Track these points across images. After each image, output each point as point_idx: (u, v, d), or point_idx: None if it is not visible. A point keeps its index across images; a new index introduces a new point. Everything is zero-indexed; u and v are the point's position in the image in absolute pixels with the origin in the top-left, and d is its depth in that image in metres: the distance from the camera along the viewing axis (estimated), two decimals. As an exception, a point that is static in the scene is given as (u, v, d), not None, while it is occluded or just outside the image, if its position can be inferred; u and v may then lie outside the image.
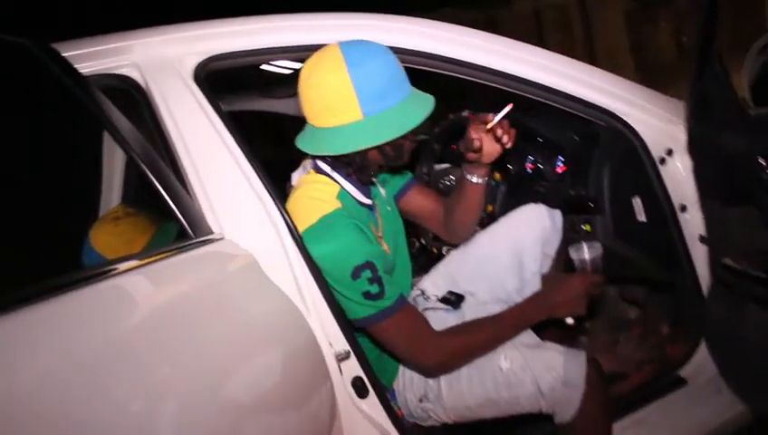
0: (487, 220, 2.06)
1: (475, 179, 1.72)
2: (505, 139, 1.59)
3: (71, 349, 0.88)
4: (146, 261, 1.18)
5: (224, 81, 1.79)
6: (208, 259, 1.29)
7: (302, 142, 1.52)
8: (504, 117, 1.58)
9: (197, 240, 1.27)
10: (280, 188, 1.63)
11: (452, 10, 8.93)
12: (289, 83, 2.67)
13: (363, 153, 1.51)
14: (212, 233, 1.35)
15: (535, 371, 1.56)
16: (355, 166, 1.55)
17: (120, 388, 0.91)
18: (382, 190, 1.80)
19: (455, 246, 1.97)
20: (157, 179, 1.25)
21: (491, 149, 1.63)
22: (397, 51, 1.58)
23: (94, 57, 1.51)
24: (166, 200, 1.25)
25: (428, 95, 1.53)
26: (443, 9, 8.74)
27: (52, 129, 1.26)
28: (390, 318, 1.49)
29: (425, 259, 2.29)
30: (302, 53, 1.67)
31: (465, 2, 9.32)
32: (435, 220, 1.91)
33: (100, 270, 1.09)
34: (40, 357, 0.83)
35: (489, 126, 1.58)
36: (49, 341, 0.86)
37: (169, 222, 1.31)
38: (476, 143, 1.60)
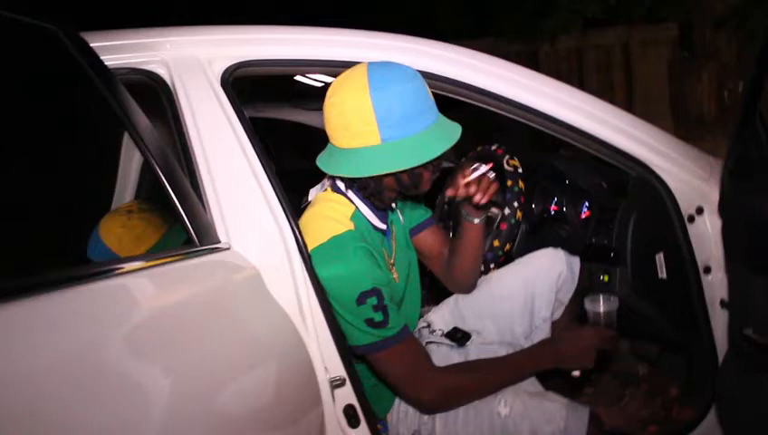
0: (504, 259, 2.00)
1: (471, 219, 1.69)
2: (477, 197, 1.55)
3: (57, 345, 0.84)
4: (150, 263, 1.16)
5: (257, 86, 1.77)
6: (212, 268, 1.26)
7: (321, 160, 1.50)
8: (484, 173, 1.55)
9: (203, 248, 1.24)
10: (296, 201, 1.60)
11: (495, 41, 8.92)
12: (320, 96, 2.68)
13: (378, 179, 1.48)
14: (219, 242, 1.32)
15: (535, 421, 1.50)
16: (369, 190, 1.52)
17: (103, 389, 0.87)
18: (401, 217, 1.76)
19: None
20: (169, 182, 1.23)
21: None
22: (427, 76, 1.55)
23: (124, 50, 1.50)
24: (175, 204, 1.22)
25: (456, 125, 1.49)
26: (485, 39, 8.73)
27: (68, 119, 1.25)
28: (391, 348, 1.45)
29: (437, 291, 2.24)
30: (330, 67, 1.65)
31: (508, 33, 9.30)
32: (439, 263, 1.87)
33: (103, 268, 1.07)
34: (21, 351, 0.80)
35: (465, 180, 1.54)
36: (34, 335, 0.83)
37: (178, 226, 1.29)
38: (450, 192, 1.57)
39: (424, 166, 1.45)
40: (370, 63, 1.44)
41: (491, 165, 1.56)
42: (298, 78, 2.32)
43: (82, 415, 0.82)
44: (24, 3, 1.12)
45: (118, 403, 0.87)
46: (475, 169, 1.54)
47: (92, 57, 1.24)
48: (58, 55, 1.19)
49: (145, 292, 1.10)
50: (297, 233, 1.41)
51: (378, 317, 1.42)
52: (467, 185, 1.54)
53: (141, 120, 1.27)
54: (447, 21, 9.49)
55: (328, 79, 2.39)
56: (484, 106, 1.77)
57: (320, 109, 2.69)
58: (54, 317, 0.86)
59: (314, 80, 2.43)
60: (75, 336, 0.88)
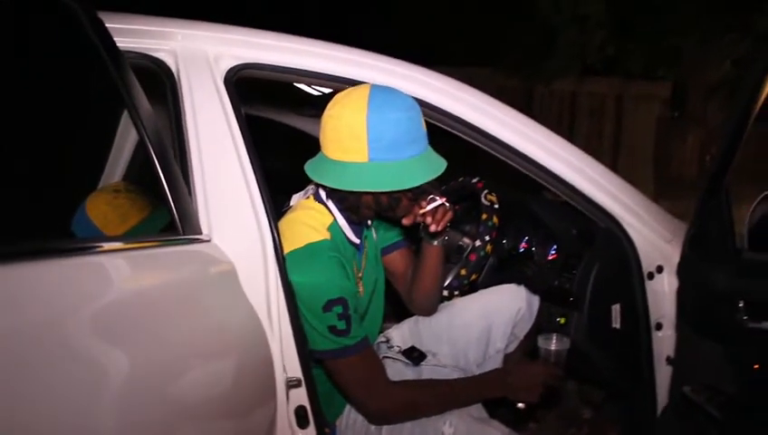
0: (468, 288, 2.07)
1: (430, 241, 1.75)
2: (432, 227, 1.61)
3: (26, 313, 0.89)
4: (132, 245, 1.21)
5: (259, 87, 1.82)
6: (191, 258, 1.31)
7: (309, 166, 1.55)
8: (439, 205, 1.60)
9: (186, 237, 1.29)
10: (278, 204, 1.66)
11: (493, 73, 9.01)
12: (316, 104, 2.73)
13: (358, 194, 1.54)
14: (201, 233, 1.37)
15: (475, 445, 1.57)
16: (347, 203, 1.58)
17: (65, 359, 0.92)
18: (375, 235, 1.82)
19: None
20: (162, 168, 1.28)
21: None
22: (424, 105, 1.62)
23: (136, 35, 1.54)
24: (165, 190, 1.27)
25: (442, 160, 1.55)
26: (483, 68, 8.82)
27: (74, 93, 1.30)
28: (350, 357, 1.51)
29: (400, 309, 2.30)
30: (333, 82, 1.71)
31: (506, 67, 9.41)
32: (404, 284, 1.93)
33: (86, 244, 1.12)
34: None
35: (421, 212, 1.60)
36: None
37: (161, 211, 1.34)
38: (406, 221, 1.61)
39: (403, 192, 1.51)
40: (374, 86, 1.51)
41: (444, 199, 1.61)
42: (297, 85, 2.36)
43: (43, 384, 0.86)
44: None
45: (78, 375, 0.92)
46: (432, 200, 1.59)
47: (105, 36, 1.29)
48: (73, 30, 1.24)
49: (123, 272, 1.15)
50: (275, 235, 1.47)
51: (341, 325, 1.48)
52: (423, 215, 1.60)
53: (144, 104, 1.32)
54: (448, 47, 9.58)
55: (325, 90, 2.46)
56: (473, 141, 1.84)
57: (313, 116, 2.75)
58: (30, 286, 0.91)
59: (313, 88, 2.49)
60: (48, 306, 0.93)
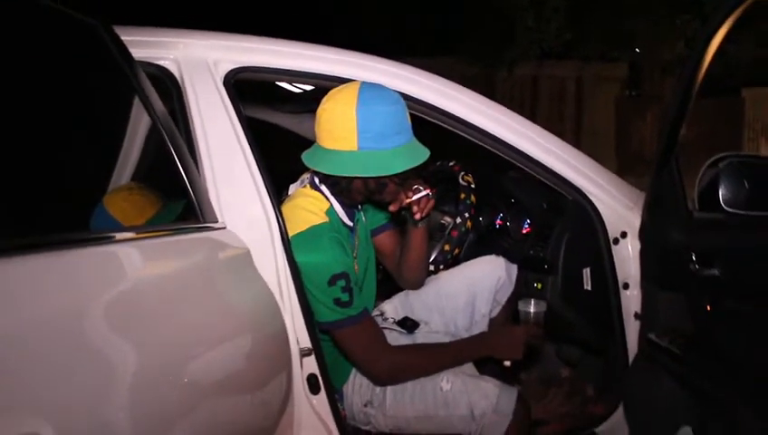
0: (452, 262, 2.26)
1: (414, 222, 1.91)
2: (417, 216, 1.80)
3: (55, 301, 0.95)
4: (160, 233, 1.36)
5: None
6: (212, 243, 1.47)
7: (305, 155, 1.72)
8: (421, 197, 1.78)
9: (206, 225, 1.45)
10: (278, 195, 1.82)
11: (455, 61, 9.18)
12: (297, 102, 2.88)
13: (349, 179, 1.71)
14: (217, 221, 1.53)
15: (471, 396, 1.76)
16: (339, 187, 1.75)
17: (101, 337, 1.01)
18: (364, 218, 2.00)
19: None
20: (181, 163, 1.44)
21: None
22: (408, 99, 1.79)
23: (141, 46, 1.68)
24: (185, 183, 1.43)
25: (425, 150, 1.71)
26: (444, 59, 8.98)
27: (99, 100, 1.45)
28: (354, 326, 1.68)
29: (387, 287, 2.48)
30: (322, 81, 1.87)
31: (468, 55, 9.58)
32: (393, 263, 2.10)
33: (118, 233, 1.26)
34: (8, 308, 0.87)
35: (407, 202, 1.78)
36: (37, 288, 0.93)
37: (174, 202, 1.49)
38: (392, 208, 1.80)
39: (389, 178, 1.68)
40: (363, 83, 1.68)
41: (429, 190, 1.79)
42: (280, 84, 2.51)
43: (56, 370, 0.89)
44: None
45: (110, 354, 1.00)
46: (417, 191, 1.78)
47: (124, 50, 1.44)
48: (96, 45, 1.39)
49: (157, 256, 1.30)
50: (281, 220, 1.64)
51: (344, 297, 1.65)
52: (409, 203, 1.79)
53: (161, 107, 1.47)
54: (408, 39, 9.72)
55: (307, 87, 2.61)
56: (448, 127, 2.02)
57: (296, 113, 2.89)
58: (68, 271, 1.01)
59: (296, 87, 2.64)
60: (92, 290, 1.04)
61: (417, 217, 1.79)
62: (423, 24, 10.07)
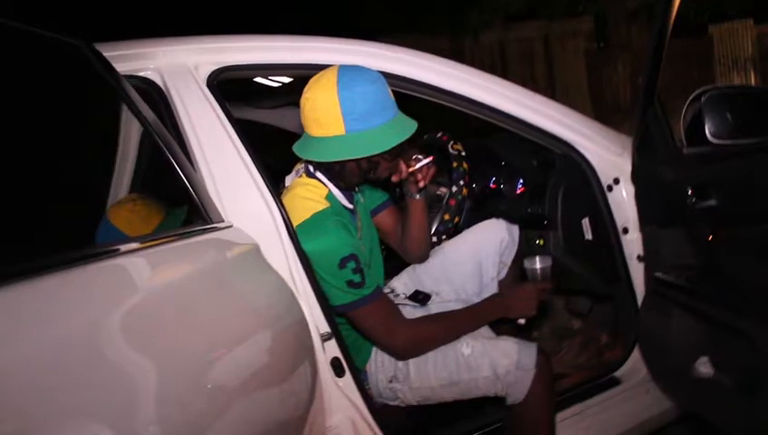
0: (453, 231, 2.29)
1: (414, 196, 1.96)
2: (421, 183, 1.88)
3: (85, 314, 0.97)
4: (170, 239, 1.37)
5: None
6: (222, 243, 1.49)
7: (296, 146, 1.74)
8: (425, 164, 1.85)
9: (213, 226, 1.47)
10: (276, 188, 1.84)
11: (420, 36, 9.17)
12: (275, 97, 2.89)
13: (341, 163, 1.73)
14: (223, 221, 1.55)
15: (493, 356, 1.79)
16: (333, 172, 1.77)
17: (144, 339, 1.04)
18: (362, 199, 2.02)
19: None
20: (181, 169, 1.45)
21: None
22: (386, 75, 1.81)
23: (122, 60, 1.69)
24: (188, 188, 1.45)
25: (412, 121, 1.74)
26: (409, 35, 8.97)
27: (89, 118, 1.46)
28: (369, 305, 1.71)
29: (393, 264, 2.52)
30: (303, 70, 1.89)
31: (432, 29, 9.57)
32: (396, 239, 2.13)
33: (135, 244, 1.28)
34: (37, 330, 0.88)
35: (410, 169, 1.84)
36: (70, 305, 0.96)
37: (178, 209, 1.50)
38: (395, 178, 1.85)
39: (380, 155, 1.70)
40: (341, 66, 1.69)
41: (431, 158, 1.84)
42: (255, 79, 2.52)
43: (90, 385, 0.90)
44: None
45: (136, 368, 1.00)
46: (418, 160, 1.83)
47: (108, 66, 1.45)
48: (82, 65, 1.40)
49: (172, 262, 1.32)
50: (284, 212, 1.66)
51: (356, 278, 1.68)
52: (412, 173, 1.83)
53: (152, 117, 1.49)
54: (371, 18, 9.69)
55: (285, 79, 2.63)
56: (433, 99, 2.04)
57: (277, 107, 2.90)
58: (96, 285, 1.04)
59: (271, 80, 2.64)
60: (122, 297, 1.07)
61: (422, 184, 1.85)
62: (385, 1, 10.02)
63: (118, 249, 1.23)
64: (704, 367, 1.62)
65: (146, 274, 1.23)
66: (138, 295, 1.13)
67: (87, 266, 1.06)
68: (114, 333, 1.01)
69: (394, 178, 1.84)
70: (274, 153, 2.47)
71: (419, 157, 1.82)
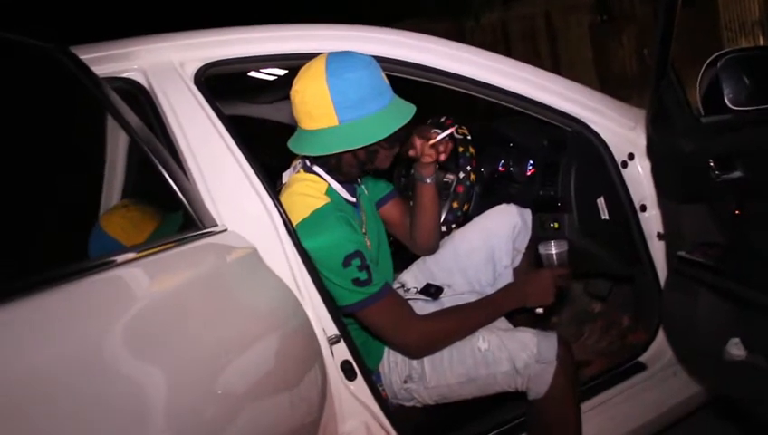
0: (463, 219, 2.20)
1: (424, 180, 1.88)
2: (443, 157, 1.81)
3: (91, 325, 0.96)
4: (161, 248, 1.29)
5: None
6: (218, 248, 1.41)
7: (291, 142, 1.66)
8: (444, 137, 1.80)
9: (207, 231, 1.39)
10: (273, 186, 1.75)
11: (420, 20, 9.08)
12: (270, 90, 2.80)
13: (338, 155, 1.64)
14: (217, 225, 1.47)
15: (511, 350, 1.70)
16: (330, 165, 1.69)
17: (145, 350, 1.00)
18: (366, 191, 1.93)
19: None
20: (168, 174, 1.37)
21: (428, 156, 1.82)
22: (380, 60, 1.72)
23: (103, 61, 1.61)
24: (177, 194, 1.36)
25: (410, 105, 1.65)
26: (409, 20, 8.88)
27: (70, 126, 1.37)
28: (378, 303, 1.62)
29: (402, 257, 2.43)
30: (293, 60, 1.80)
31: (433, 13, 9.47)
32: (404, 231, 2.05)
33: (128, 254, 1.20)
34: (41, 346, 0.86)
35: (432, 142, 1.77)
36: (73, 320, 0.94)
37: (172, 213, 1.42)
38: (411, 152, 1.81)
39: (378, 143, 1.61)
40: (330, 54, 1.60)
41: (453, 129, 1.80)
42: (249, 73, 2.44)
43: (95, 399, 0.88)
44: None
45: (143, 381, 0.98)
46: (437, 133, 1.77)
47: (86, 69, 1.37)
48: (58, 70, 1.32)
49: (165, 274, 1.24)
50: (282, 211, 1.57)
51: (363, 276, 1.59)
52: (433, 146, 1.77)
53: (136, 120, 1.40)
54: (371, 5, 9.60)
55: (280, 72, 2.54)
56: (433, 82, 1.95)
57: (273, 101, 2.82)
58: (101, 297, 1.01)
59: (265, 74, 2.56)
60: (124, 309, 1.03)
61: (443, 157, 1.80)
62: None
63: (106, 263, 1.16)
64: (736, 349, 1.53)
65: (131, 291, 1.15)
66: (126, 311, 1.05)
67: (80, 281, 1.02)
68: (118, 350, 0.97)
69: (411, 153, 1.80)
70: (271, 150, 2.39)
71: (437, 130, 1.76)
